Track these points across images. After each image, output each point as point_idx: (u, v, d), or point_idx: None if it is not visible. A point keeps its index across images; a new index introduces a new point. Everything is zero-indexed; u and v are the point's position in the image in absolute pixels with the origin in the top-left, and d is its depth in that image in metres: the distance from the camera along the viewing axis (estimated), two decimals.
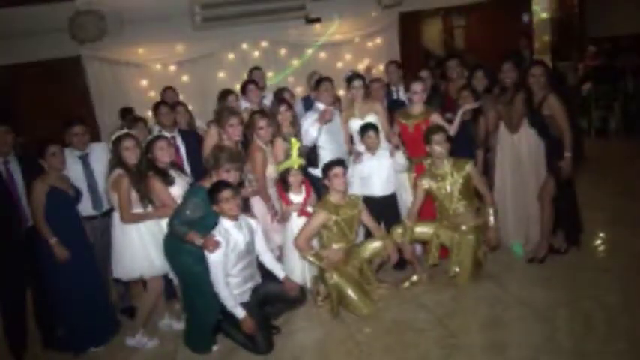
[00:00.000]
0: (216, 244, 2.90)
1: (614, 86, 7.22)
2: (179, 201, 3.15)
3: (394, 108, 4.22)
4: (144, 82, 6.57)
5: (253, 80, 4.54)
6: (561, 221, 3.70)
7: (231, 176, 3.07)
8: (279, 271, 3.28)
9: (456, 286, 3.47)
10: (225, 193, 2.93)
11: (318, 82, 4.16)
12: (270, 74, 6.41)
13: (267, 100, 4.58)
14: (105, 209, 3.49)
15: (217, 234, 2.94)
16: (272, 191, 3.68)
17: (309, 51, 7.04)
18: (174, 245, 3.04)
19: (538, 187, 3.67)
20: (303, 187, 3.69)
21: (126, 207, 3.10)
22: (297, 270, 3.61)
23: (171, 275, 3.31)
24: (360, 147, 3.87)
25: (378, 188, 3.80)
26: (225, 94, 4.22)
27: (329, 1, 6.79)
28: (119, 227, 3.18)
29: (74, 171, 3.42)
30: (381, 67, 6.64)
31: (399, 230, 3.53)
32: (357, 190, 3.73)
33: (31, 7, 5.45)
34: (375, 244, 3.51)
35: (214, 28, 6.46)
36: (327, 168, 3.39)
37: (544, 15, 8.70)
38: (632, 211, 4.41)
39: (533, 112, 3.57)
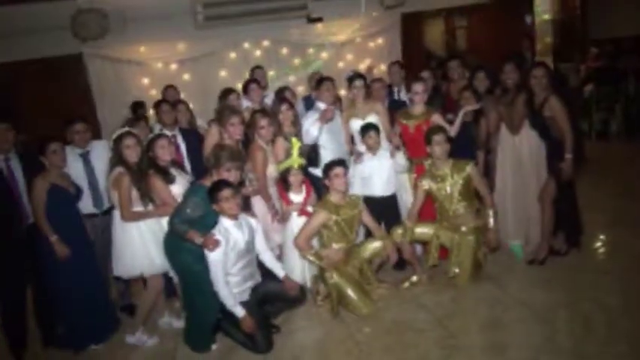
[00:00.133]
0: (216, 243, 2.90)
1: (616, 88, 7.21)
2: (179, 199, 3.15)
3: (395, 108, 4.22)
4: (145, 81, 6.57)
5: (255, 79, 4.54)
6: (562, 223, 3.70)
7: (231, 175, 3.07)
8: (279, 271, 3.28)
9: (455, 287, 3.46)
10: (225, 192, 2.93)
11: (319, 81, 4.16)
12: (271, 73, 6.42)
13: (269, 99, 4.57)
14: (105, 207, 3.49)
15: (217, 233, 2.94)
16: (272, 190, 3.68)
17: (311, 50, 7.04)
18: (174, 244, 3.04)
19: (539, 189, 3.67)
20: (304, 187, 3.69)
21: (126, 205, 3.10)
22: (297, 269, 3.61)
23: (172, 273, 3.31)
24: (361, 147, 3.87)
25: (379, 188, 3.80)
26: (226, 93, 4.22)
27: (331, 1, 6.79)
28: (120, 225, 3.18)
29: (75, 168, 3.42)
30: (383, 67, 6.66)
31: (399, 231, 3.53)
32: (357, 190, 3.73)
33: (32, 4, 5.45)
34: (375, 245, 3.51)
35: (216, 27, 6.46)
36: (328, 168, 3.39)
37: (546, 16, 8.69)
38: (633, 213, 4.41)
39: (535, 113, 3.57)
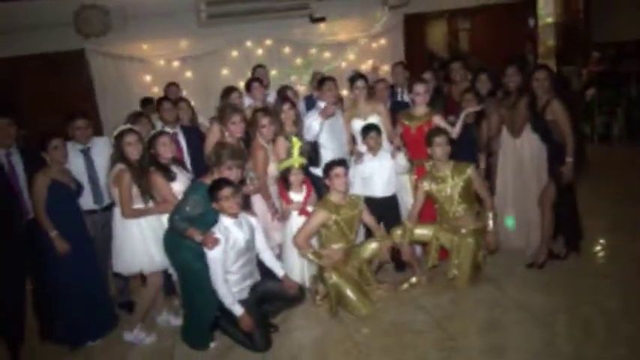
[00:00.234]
0: (216, 242, 2.89)
1: (618, 92, 7.20)
2: (180, 197, 3.15)
3: (397, 109, 4.21)
4: (147, 78, 6.58)
5: (258, 78, 4.54)
6: (561, 227, 3.70)
7: (232, 173, 3.07)
8: (278, 270, 3.27)
9: (455, 288, 3.46)
10: (226, 191, 2.93)
11: (321, 81, 4.16)
12: (273, 72, 6.42)
13: (271, 98, 4.57)
14: (106, 203, 3.48)
15: (217, 231, 2.94)
16: (272, 189, 3.68)
17: (313, 50, 7.04)
18: (174, 241, 3.04)
19: (539, 192, 3.66)
20: (304, 186, 3.68)
21: (127, 202, 3.10)
22: (297, 269, 3.60)
23: (171, 271, 3.31)
24: (362, 147, 3.86)
25: (379, 189, 3.79)
26: (228, 91, 4.22)
27: (334, 1, 6.79)
28: (120, 222, 3.18)
29: (76, 164, 3.42)
30: (385, 67, 6.65)
31: (398, 232, 3.53)
32: (358, 190, 3.73)
33: (35, 0, 5.47)
34: (374, 245, 3.51)
35: (219, 25, 6.47)
36: (329, 167, 3.38)
37: (549, 19, 8.69)
38: (633, 217, 4.40)
39: (537, 116, 3.56)
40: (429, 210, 3.66)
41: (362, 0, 6.98)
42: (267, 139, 3.62)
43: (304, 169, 3.70)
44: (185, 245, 2.98)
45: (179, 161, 3.56)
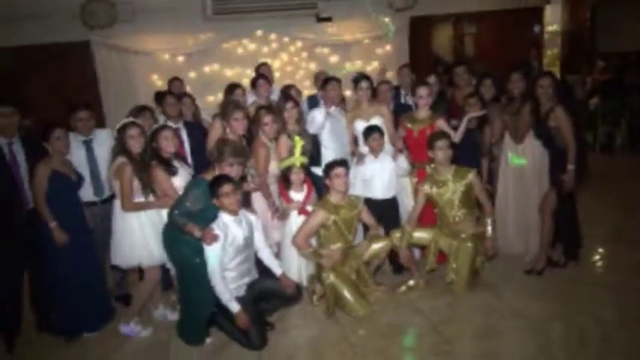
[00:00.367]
0: (214, 238, 2.89)
1: (622, 102, 7.20)
2: (180, 192, 3.15)
3: (401, 112, 4.21)
4: (152, 71, 6.58)
5: (264, 75, 4.53)
6: (561, 234, 3.70)
7: (233, 170, 3.07)
8: (276, 268, 3.27)
9: (452, 293, 3.46)
10: (226, 188, 2.93)
11: (325, 81, 4.15)
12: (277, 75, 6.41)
13: (274, 96, 4.57)
14: (106, 195, 3.48)
15: (216, 227, 2.94)
16: (273, 188, 3.68)
17: (318, 50, 7.04)
18: (173, 236, 3.04)
19: (540, 199, 3.66)
20: (305, 186, 3.68)
21: (127, 195, 3.10)
22: (294, 268, 3.60)
23: (169, 265, 3.31)
24: (364, 149, 3.86)
25: (380, 191, 3.79)
26: (232, 88, 4.22)
27: (341, 1, 6.79)
28: (120, 215, 3.18)
29: (77, 156, 3.42)
30: (391, 72, 6.64)
31: (397, 234, 3.53)
32: (358, 191, 3.72)
33: None
34: (373, 246, 3.51)
35: (225, 21, 6.47)
36: (329, 167, 3.38)
37: (554, 27, 8.68)
38: (633, 227, 4.40)
39: (540, 123, 3.56)
40: (430, 213, 3.66)
41: (369, 1, 6.97)
42: (269, 137, 3.62)
43: (305, 168, 3.70)
44: (184, 240, 2.98)
45: (180, 156, 3.56)
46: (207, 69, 6.73)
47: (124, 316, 3.37)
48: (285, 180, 3.64)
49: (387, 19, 6.97)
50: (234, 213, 3.03)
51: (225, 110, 3.57)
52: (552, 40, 8.78)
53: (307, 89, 6.03)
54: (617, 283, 3.45)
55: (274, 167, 3.65)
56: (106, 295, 3.53)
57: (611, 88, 7.27)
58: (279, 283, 3.23)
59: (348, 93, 5.27)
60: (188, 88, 5.40)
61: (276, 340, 3.11)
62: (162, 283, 3.52)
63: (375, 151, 3.76)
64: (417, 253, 3.88)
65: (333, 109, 3.98)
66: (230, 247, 3.00)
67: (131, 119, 3.30)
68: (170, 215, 3.00)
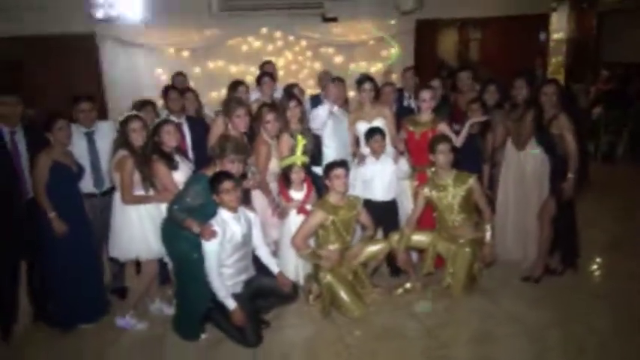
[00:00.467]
0: (213, 234, 2.89)
1: (625, 112, 7.20)
2: (181, 187, 3.15)
3: (402, 114, 4.21)
4: (156, 66, 6.57)
5: (269, 72, 4.53)
6: (559, 242, 3.69)
7: (234, 167, 3.07)
8: (273, 267, 3.27)
9: (449, 297, 3.46)
10: (226, 184, 2.93)
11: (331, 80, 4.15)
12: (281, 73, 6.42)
13: (278, 94, 4.56)
14: (106, 188, 3.48)
15: (215, 223, 2.94)
16: (273, 186, 3.67)
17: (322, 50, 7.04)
18: (172, 231, 3.04)
19: (540, 205, 3.66)
20: (305, 185, 3.68)
21: (127, 188, 3.09)
22: (291, 266, 3.60)
23: (167, 259, 3.31)
24: (365, 150, 3.86)
25: (380, 193, 3.79)
26: (235, 84, 4.22)
27: (347, 2, 6.79)
28: (119, 207, 3.18)
29: (78, 147, 3.41)
30: (395, 75, 6.64)
31: (395, 237, 3.52)
32: (358, 193, 3.72)
33: None
34: (370, 248, 3.50)
35: (230, 18, 6.46)
36: (329, 168, 3.38)
37: (559, 35, 8.68)
38: (632, 237, 4.41)
39: (542, 130, 3.56)
40: (428, 217, 3.65)
41: (375, 2, 6.98)
42: (271, 134, 3.61)
43: (306, 167, 3.70)
44: (183, 235, 2.98)
45: (181, 151, 3.56)
46: (211, 65, 6.73)
47: (120, 309, 3.37)
48: (285, 178, 3.63)
49: (388, 36, 6.99)
50: (233, 210, 3.02)
51: (228, 107, 3.57)
52: (557, 48, 8.78)
53: (311, 88, 6.03)
54: (615, 292, 3.45)
55: (275, 165, 3.64)
56: (102, 288, 3.52)
57: (614, 98, 7.27)
58: (276, 281, 3.23)
59: (351, 94, 5.27)
60: (192, 84, 5.40)
61: (272, 338, 3.11)
62: (160, 277, 3.52)
63: (377, 153, 3.76)
64: (414, 256, 3.87)
65: (335, 109, 3.99)
66: (228, 244, 3.00)
67: (134, 112, 3.30)
68: (170, 210, 3.00)
